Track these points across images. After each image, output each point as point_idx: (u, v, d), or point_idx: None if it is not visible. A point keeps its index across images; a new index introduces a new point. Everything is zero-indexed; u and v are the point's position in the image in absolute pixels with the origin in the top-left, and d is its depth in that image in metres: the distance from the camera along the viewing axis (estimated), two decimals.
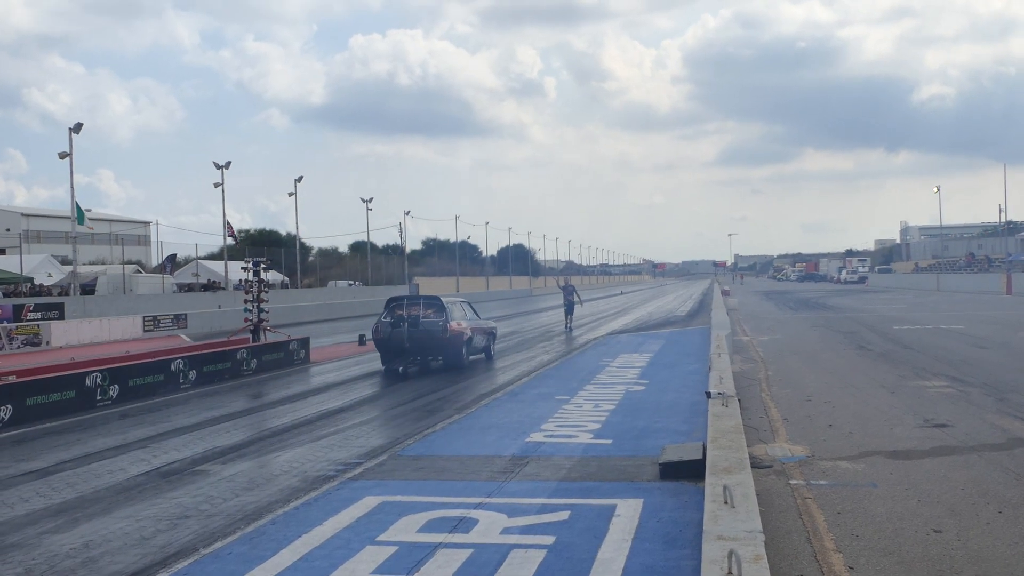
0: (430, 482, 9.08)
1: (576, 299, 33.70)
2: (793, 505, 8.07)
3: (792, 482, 8.90)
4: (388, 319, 20.09)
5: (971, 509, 7.87)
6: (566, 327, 32.67)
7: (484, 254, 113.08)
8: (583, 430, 11.82)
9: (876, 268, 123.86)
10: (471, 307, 22.52)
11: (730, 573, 4.12)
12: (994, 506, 7.94)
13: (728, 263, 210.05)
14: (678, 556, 6.43)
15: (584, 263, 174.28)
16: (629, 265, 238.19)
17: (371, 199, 76.67)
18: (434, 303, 20.42)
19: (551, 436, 11.45)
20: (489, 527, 7.34)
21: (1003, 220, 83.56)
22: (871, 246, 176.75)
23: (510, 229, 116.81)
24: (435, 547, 6.82)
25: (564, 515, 7.68)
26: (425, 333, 19.55)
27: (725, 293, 61.15)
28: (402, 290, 77.35)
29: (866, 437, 11.18)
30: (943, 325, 30.73)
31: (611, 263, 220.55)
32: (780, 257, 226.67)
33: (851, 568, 6.39)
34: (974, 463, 9.66)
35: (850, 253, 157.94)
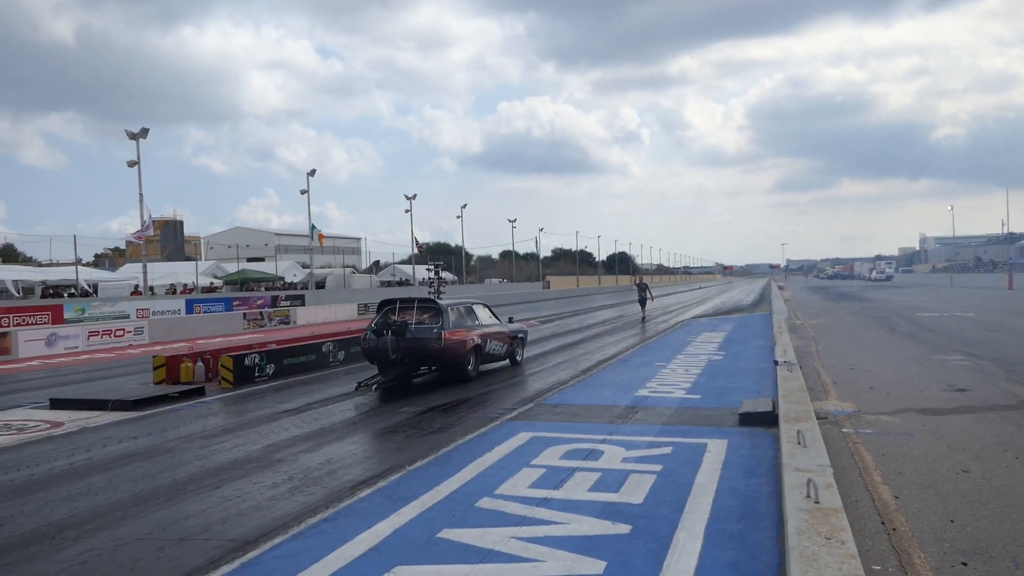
0: (566, 423, 9.00)
1: (648, 295, 30.10)
2: (846, 448, 7.65)
3: (844, 430, 8.44)
4: (374, 327, 12.87)
5: (992, 455, 7.30)
6: (641, 317, 29.29)
7: (597, 259, 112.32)
8: (678, 388, 11.53)
9: (900, 269, 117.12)
10: (488, 309, 14.83)
11: (809, 496, 3.92)
12: (1011, 453, 7.34)
13: (781, 265, 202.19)
14: (756, 483, 6.18)
15: (671, 265, 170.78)
16: (704, 267, 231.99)
17: (515, 219, 77.07)
18: (429, 307, 13.01)
19: (654, 392, 11.21)
20: (612, 457, 7.23)
21: (1005, 232, 78.16)
22: (895, 252, 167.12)
23: (616, 240, 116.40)
24: (573, 470, 6.76)
25: (668, 450, 7.50)
26: (415, 342, 12.25)
27: (780, 288, 58.84)
28: (536, 288, 77.27)
29: (901, 398, 10.52)
30: (958, 313, 28.73)
31: (691, 265, 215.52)
32: (822, 261, 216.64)
33: (896, 497, 6.01)
34: (991, 419, 8.96)
35: (879, 258, 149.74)
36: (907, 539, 5.09)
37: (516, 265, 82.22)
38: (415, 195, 56.15)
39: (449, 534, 5.18)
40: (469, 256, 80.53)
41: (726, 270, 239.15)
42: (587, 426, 8.78)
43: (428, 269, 26.18)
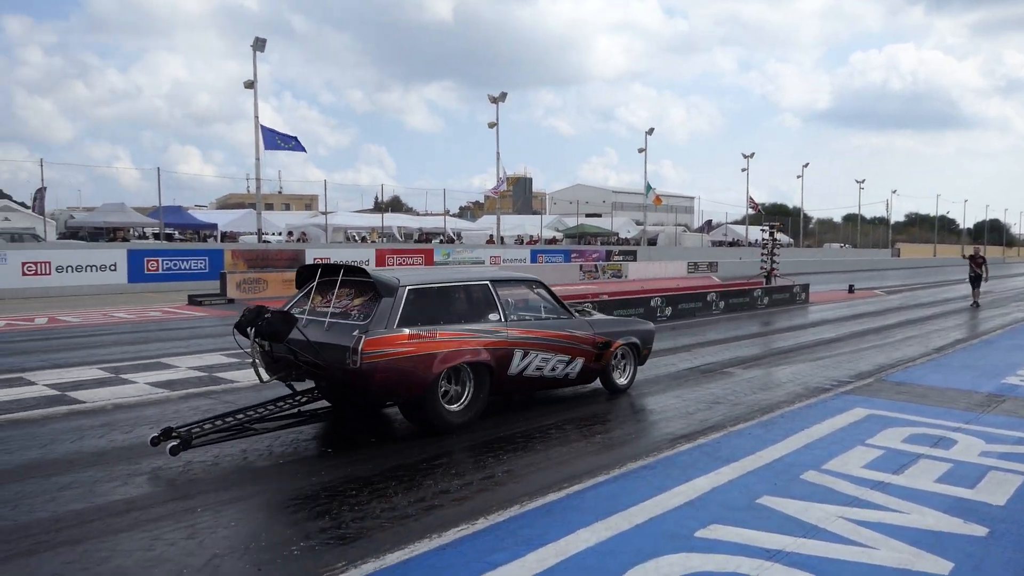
0: (911, 404, 7.97)
1: (983, 272, 21.05)
2: None
3: None
4: (247, 315, 6.07)
5: None
6: (972, 303, 21.04)
7: (960, 226, 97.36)
8: None
9: None
10: (544, 292, 7.82)
11: None
12: None
13: None
14: None
15: None
16: None
17: (863, 180, 70.16)
18: (364, 284, 6.47)
19: None
20: (967, 448, 6.24)
21: None
22: None
23: (987, 206, 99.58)
24: (917, 456, 5.98)
25: None
26: (311, 353, 5.98)
27: None
28: (883, 255, 69.28)
29: None
30: None
31: None
32: None
33: None
34: None
35: None
36: None
37: (861, 230, 74.71)
38: (752, 153, 53.63)
39: (769, 502, 4.92)
40: (808, 218, 75.02)
41: None
42: (937, 410, 7.69)
43: (762, 230, 25.05)
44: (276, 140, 27.89)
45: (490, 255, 34.20)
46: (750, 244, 53.22)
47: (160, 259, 24.23)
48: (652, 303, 16.23)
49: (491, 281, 7.19)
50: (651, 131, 45.85)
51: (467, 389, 6.70)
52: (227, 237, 36.89)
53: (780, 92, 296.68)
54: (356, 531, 4.43)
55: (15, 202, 41.06)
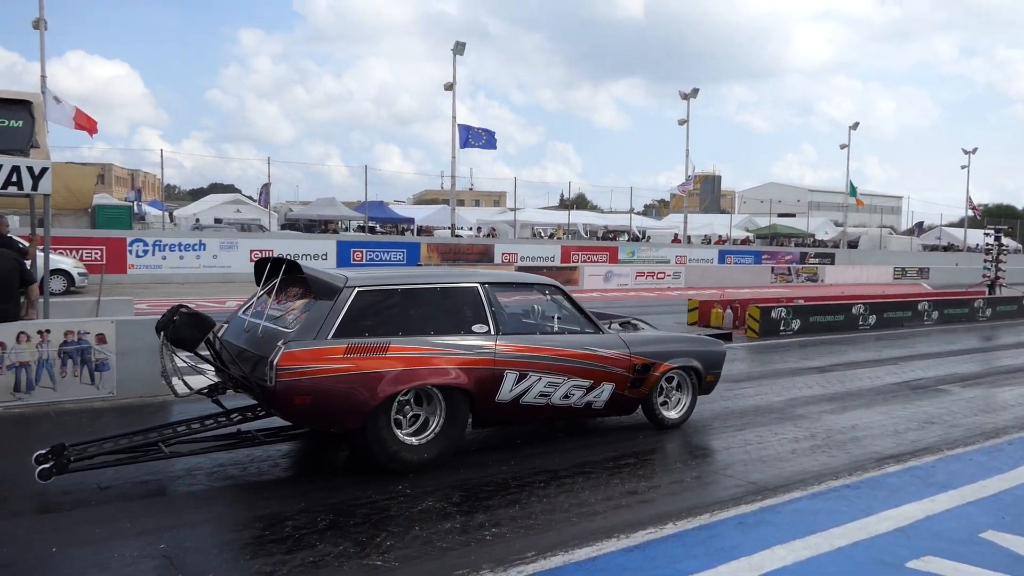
0: None
1: None
2: None
3: None
4: (164, 315, 5.19)
5: None
6: None
7: None
8: None
9: None
10: (564, 300, 6.20)
11: None
12: None
13: None
14: None
15: None
16: None
17: None
18: (302, 285, 5.46)
19: None
20: None
21: None
22: None
23: None
24: None
25: None
26: (231, 363, 5.17)
27: None
28: None
29: None
30: None
31: None
32: None
33: None
34: None
35: None
36: None
37: None
38: (975, 149, 48.24)
39: (995, 537, 4.41)
40: None
41: None
42: None
43: (986, 233, 22.44)
44: (469, 137, 29.09)
45: (676, 254, 33.50)
46: (969, 249, 47.99)
47: (364, 250, 26.13)
48: (854, 310, 15.10)
49: (483, 284, 5.74)
50: (855, 126, 42.72)
51: (436, 418, 5.36)
52: (423, 231, 39.00)
53: (1010, 80, 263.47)
54: (544, 523, 4.51)
55: (245, 196, 46.03)
